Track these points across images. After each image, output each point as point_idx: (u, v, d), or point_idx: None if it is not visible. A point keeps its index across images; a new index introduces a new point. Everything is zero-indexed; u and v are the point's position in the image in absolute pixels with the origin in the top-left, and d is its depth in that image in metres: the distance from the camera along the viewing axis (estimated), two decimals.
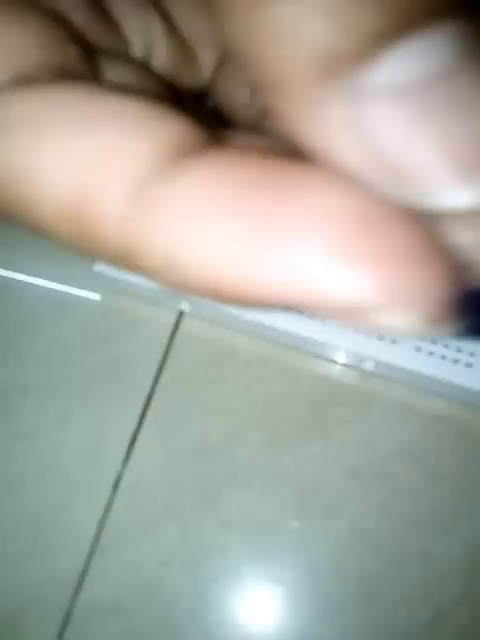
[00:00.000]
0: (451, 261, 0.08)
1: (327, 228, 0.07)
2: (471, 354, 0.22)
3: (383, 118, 0.07)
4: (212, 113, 0.10)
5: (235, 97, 0.10)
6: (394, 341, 0.22)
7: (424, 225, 0.08)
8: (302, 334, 0.23)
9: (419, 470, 0.22)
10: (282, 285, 0.07)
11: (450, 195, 0.07)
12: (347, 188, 0.07)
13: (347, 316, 0.08)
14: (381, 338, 0.23)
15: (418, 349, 0.22)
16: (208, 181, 0.07)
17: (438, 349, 0.22)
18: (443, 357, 0.22)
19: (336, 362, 0.24)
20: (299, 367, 0.24)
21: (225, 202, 0.07)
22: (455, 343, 0.22)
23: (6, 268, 0.25)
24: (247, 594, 0.21)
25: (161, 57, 0.09)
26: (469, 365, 0.22)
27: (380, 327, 0.08)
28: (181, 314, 0.24)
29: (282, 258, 0.07)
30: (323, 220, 0.07)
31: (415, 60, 0.07)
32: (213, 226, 0.07)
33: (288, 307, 0.08)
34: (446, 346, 0.22)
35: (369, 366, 0.23)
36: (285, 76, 0.07)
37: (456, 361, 0.22)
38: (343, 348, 0.23)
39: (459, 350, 0.22)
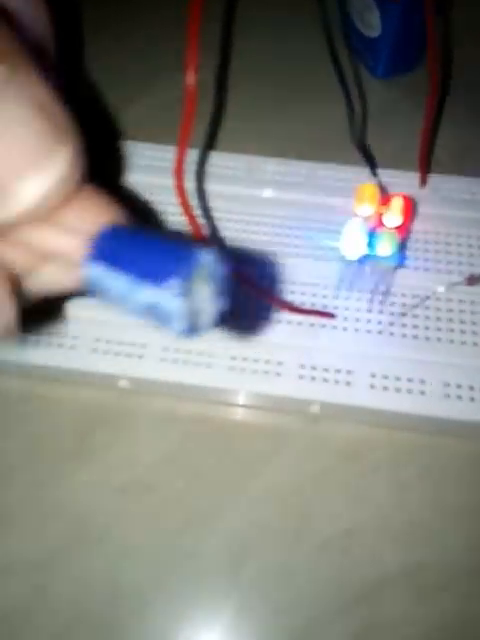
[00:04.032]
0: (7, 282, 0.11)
1: None
2: (210, 356, 0.24)
3: None
4: None
5: None
6: (141, 356, 0.24)
7: None
8: (60, 366, 0.24)
9: (181, 474, 0.23)
10: None
11: None
12: None
13: None
14: (129, 355, 0.24)
15: (163, 359, 0.24)
16: None
17: (181, 356, 0.24)
18: (185, 362, 0.24)
19: (94, 386, 0.24)
20: (62, 399, 0.25)
21: None
22: (196, 349, 0.24)
23: None
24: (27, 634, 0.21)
25: None
26: (209, 366, 0.24)
27: None
28: None
29: None
30: None
31: None
32: None
33: None
34: (189, 352, 0.24)
35: (124, 385, 0.24)
36: None
37: (197, 364, 0.24)
38: (97, 372, 0.24)
39: (200, 353, 0.24)
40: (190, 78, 0.15)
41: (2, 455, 0.24)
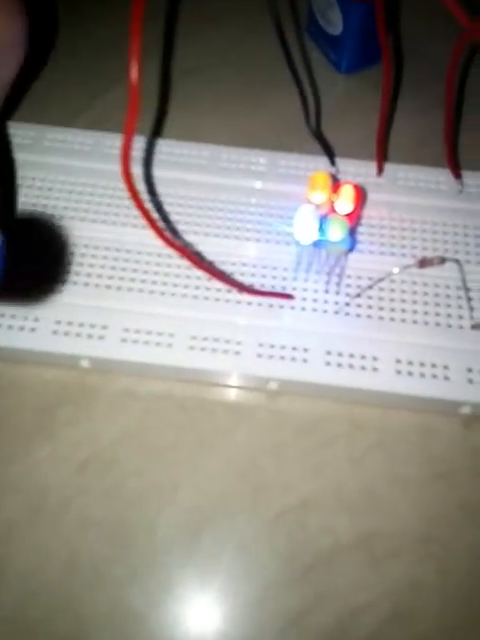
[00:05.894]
0: None
1: None
2: (171, 336, 0.24)
3: None
4: None
5: None
6: (102, 337, 0.24)
7: None
8: (21, 348, 0.24)
9: (141, 450, 0.24)
10: None
11: None
12: None
13: None
14: (90, 336, 0.24)
15: (124, 340, 0.24)
16: None
17: (142, 337, 0.24)
18: (146, 343, 0.24)
19: (55, 366, 0.25)
20: (23, 379, 0.25)
21: None
22: (157, 329, 0.24)
23: None
24: None
25: None
26: (169, 345, 0.24)
27: None
28: None
29: None
30: None
31: None
32: None
33: None
34: (149, 333, 0.24)
35: (85, 364, 0.25)
36: None
37: (158, 344, 0.24)
38: (59, 353, 0.24)
39: (160, 333, 0.24)
40: (133, 73, 0.15)
41: None
